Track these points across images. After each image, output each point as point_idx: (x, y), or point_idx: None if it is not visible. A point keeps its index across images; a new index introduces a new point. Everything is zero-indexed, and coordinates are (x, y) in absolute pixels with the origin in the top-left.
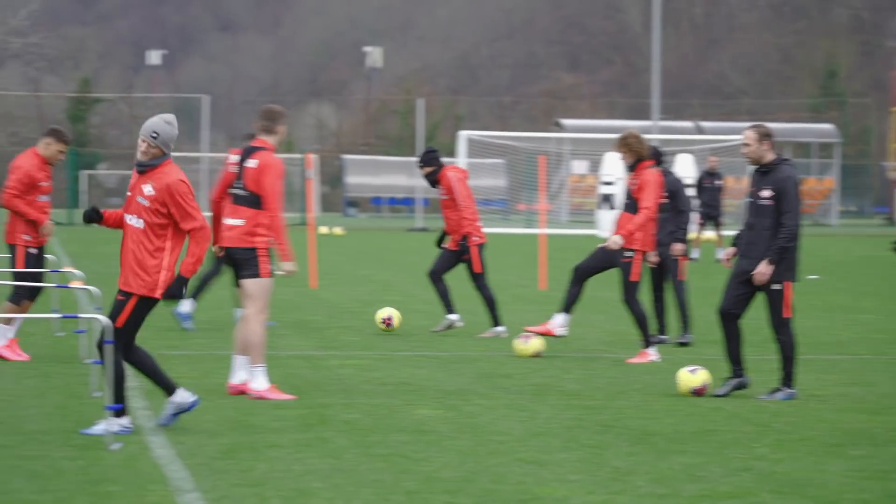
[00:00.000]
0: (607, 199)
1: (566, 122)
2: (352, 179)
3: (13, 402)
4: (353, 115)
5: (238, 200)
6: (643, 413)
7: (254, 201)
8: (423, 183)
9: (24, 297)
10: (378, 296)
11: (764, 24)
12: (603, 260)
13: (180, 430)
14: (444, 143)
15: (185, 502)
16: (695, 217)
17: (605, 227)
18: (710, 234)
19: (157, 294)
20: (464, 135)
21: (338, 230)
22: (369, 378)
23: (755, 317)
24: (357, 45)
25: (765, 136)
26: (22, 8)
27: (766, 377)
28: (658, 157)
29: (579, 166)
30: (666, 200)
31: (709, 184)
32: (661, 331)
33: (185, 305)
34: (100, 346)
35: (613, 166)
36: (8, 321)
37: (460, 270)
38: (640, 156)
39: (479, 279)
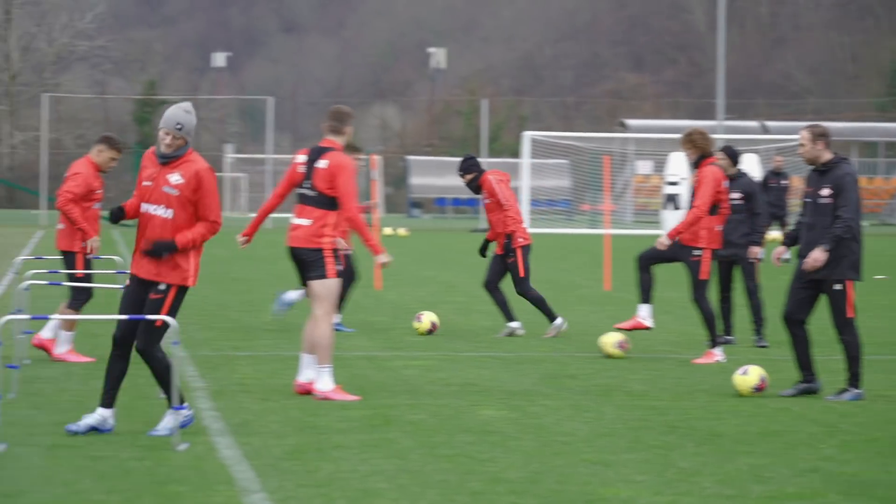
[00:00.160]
0: (672, 199)
1: (630, 122)
2: (416, 180)
3: (80, 403)
4: (416, 116)
5: (306, 200)
6: (709, 413)
7: (322, 201)
8: None
9: (83, 302)
10: (441, 297)
11: (830, 22)
12: (667, 251)
13: (247, 431)
14: (508, 143)
15: (251, 503)
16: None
17: (670, 228)
18: (775, 233)
19: (191, 283)
20: (528, 135)
21: (402, 231)
22: (434, 379)
23: (821, 317)
24: (421, 45)
25: (819, 135)
26: (88, 11)
27: (834, 377)
28: (735, 157)
29: (644, 166)
30: (741, 202)
31: (774, 183)
32: (728, 331)
33: (293, 294)
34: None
35: (678, 166)
36: (70, 326)
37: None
38: (703, 152)
39: (521, 284)
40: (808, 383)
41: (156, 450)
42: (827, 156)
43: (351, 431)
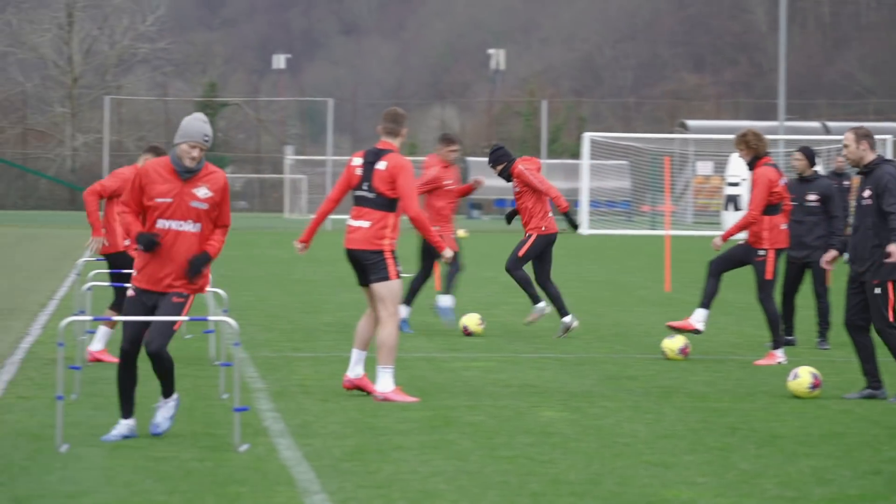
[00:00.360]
0: (732, 200)
1: (691, 122)
2: None
3: (141, 404)
4: (476, 118)
5: (365, 203)
6: (770, 415)
7: (382, 203)
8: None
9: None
10: (501, 297)
11: (892, 22)
12: (736, 256)
13: (307, 432)
14: (568, 145)
15: None
16: None
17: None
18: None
19: (206, 290)
20: (588, 136)
21: (462, 232)
22: (494, 380)
23: None
24: (480, 47)
25: (863, 136)
26: (150, 14)
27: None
28: (812, 158)
29: (704, 167)
30: (817, 204)
31: (836, 184)
32: (789, 332)
33: (446, 300)
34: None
35: (739, 167)
36: (113, 326)
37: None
38: (757, 153)
39: (514, 262)
40: (873, 390)
41: (217, 451)
42: (870, 157)
43: (411, 433)
